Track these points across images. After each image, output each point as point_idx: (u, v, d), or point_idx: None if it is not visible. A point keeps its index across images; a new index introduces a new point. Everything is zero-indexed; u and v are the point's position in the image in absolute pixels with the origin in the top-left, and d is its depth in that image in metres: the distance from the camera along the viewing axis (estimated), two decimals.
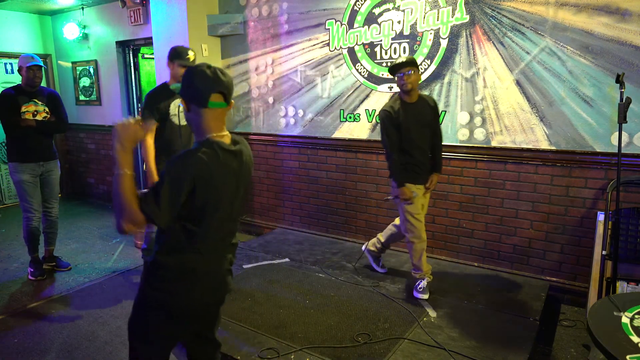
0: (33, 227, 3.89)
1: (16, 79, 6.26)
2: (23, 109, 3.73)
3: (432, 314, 2.95)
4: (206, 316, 1.87)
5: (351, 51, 4.09)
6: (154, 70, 5.13)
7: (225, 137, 1.69)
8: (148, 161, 3.28)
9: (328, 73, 4.27)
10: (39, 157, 3.82)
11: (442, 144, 3.28)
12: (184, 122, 3.30)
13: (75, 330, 3.12)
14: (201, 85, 1.60)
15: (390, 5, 3.81)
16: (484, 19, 3.43)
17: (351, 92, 4.16)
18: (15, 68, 6.35)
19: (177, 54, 3.24)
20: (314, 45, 4.30)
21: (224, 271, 1.81)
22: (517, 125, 3.42)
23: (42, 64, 3.80)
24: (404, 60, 3.00)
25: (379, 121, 3.21)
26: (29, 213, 3.85)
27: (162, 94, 3.31)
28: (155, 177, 3.23)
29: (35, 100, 3.79)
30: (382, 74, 3.96)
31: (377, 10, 3.88)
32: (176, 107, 3.28)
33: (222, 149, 1.63)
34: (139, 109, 3.12)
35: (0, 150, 6.38)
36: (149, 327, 1.74)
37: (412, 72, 2.99)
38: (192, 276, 1.69)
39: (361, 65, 4.06)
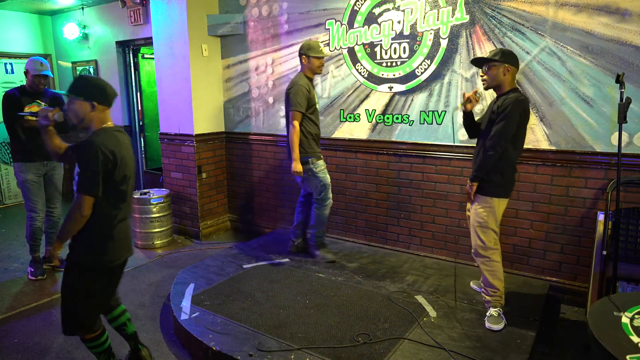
0: (36, 227, 3.92)
1: (16, 79, 6.29)
2: (26, 109, 3.76)
3: (432, 314, 2.95)
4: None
5: (351, 51, 4.09)
6: (154, 70, 5.13)
7: (111, 124, 2.32)
8: (294, 145, 3.58)
9: (328, 73, 4.26)
10: (43, 157, 3.85)
11: (485, 150, 2.76)
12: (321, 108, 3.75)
13: None
14: (111, 92, 2.28)
15: (390, 5, 3.81)
16: (484, 19, 3.43)
17: (351, 92, 4.16)
18: (16, 68, 6.37)
19: (311, 48, 3.60)
20: None
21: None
22: None
23: (50, 74, 3.84)
24: (484, 55, 2.77)
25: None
26: (33, 213, 3.88)
27: (309, 86, 3.64)
28: (298, 161, 3.59)
29: (38, 101, 3.84)
30: (382, 74, 3.95)
31: (377, 10, 3.88)
32: (315, 96, 3.68)
33: (115, 130, 2.28)
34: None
35: (0, 150, 6.37)
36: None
37: (488, 68, 2.74)
38: (114, 239, 2.27)
39: (361, 65, 4.05)
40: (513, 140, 2.71)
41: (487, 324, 2.78)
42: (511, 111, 2.63)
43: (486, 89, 2.84)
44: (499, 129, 2.66)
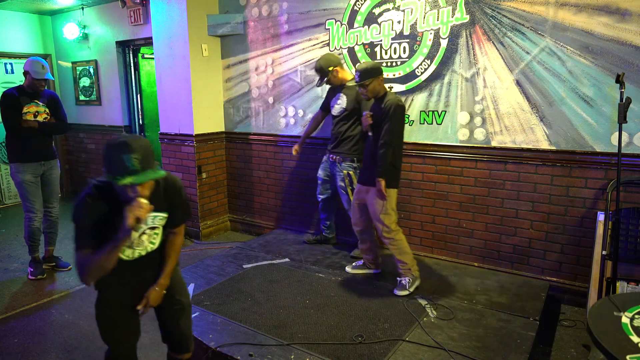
0: (34, 228, 3.91)
1: (16, 79, 6.29)
2: (24, 109, 3.76)
3: (432, 314, 2.95)
4: None
5: (351, 51, 4.09)
6: (154, 70, 5.13)
7: None
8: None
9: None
10: (41, 157, 3.85)
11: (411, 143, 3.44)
12: (334, 113, 3.88)
13: (75, 330, 3.12)
14: None
15: (390, 5, 3.81)
16: (484, 19, 3.43)
17: None
18: (16, 68, 6.37)
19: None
20: (314, 45, 4.30)
21: None
22: (517, 125, 3.42)
23: (51, 77, 3.86)
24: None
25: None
26: (31, 213, 3.87)
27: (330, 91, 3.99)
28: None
29: (36, 101, 3.83)
30: None
31: (377, 10, 3.88)
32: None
33: None
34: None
35: (0, 151, 6.37)
36: None
37: (365, 87, 3.17)
38: None
39: None
40: (399, 137, 3.15)
41: (395, 290, 3.22)
42: (395, 111, 3.07)
43: (368, 100, 3.31)
44: (388, 128, 3.08)
